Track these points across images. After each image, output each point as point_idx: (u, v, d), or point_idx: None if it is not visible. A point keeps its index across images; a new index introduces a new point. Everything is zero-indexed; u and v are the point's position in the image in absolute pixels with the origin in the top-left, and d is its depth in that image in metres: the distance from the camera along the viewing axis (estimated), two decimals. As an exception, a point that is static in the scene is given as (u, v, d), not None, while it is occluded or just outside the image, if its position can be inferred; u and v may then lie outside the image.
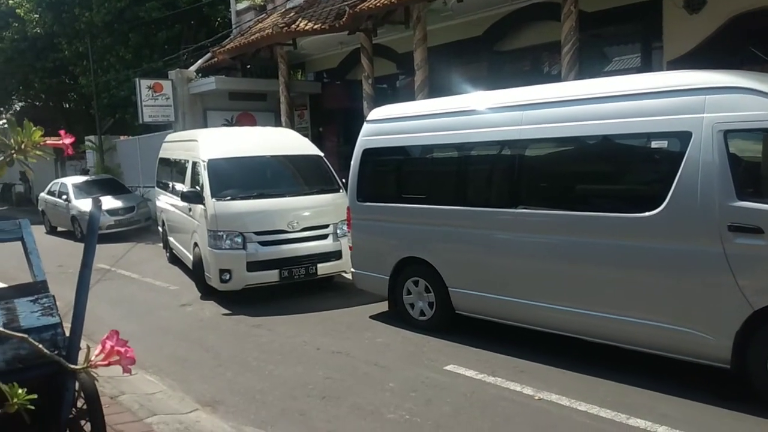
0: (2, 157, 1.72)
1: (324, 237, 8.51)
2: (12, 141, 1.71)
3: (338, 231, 8.52)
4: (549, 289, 5.52)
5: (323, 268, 8.45)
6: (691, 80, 4.76)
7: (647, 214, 4.82)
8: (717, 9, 8.94)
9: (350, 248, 7.67)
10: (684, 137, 4.65)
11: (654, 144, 4.91)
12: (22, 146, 1.72)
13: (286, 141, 9.88)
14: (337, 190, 8.98)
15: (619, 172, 5.45)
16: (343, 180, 8.71)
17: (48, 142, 1.74)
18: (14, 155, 1.73)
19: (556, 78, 10.01)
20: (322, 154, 9.60)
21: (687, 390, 4.77)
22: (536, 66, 12.43)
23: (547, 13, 10.73)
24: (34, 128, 1.71)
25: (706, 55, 8.81)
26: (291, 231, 8.29)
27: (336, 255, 8.52)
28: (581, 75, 9.04)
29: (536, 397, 4.88)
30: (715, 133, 4.50)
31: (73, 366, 1.88)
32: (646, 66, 10.14)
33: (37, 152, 1.75)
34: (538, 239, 5.61)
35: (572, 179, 5.72)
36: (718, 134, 4.49)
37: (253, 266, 8.10)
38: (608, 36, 10.97)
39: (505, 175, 6.06)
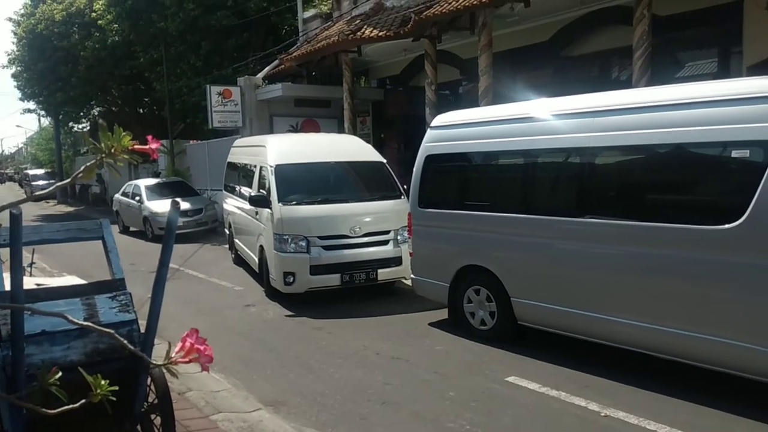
0: (93, 161, 1.80)
1: (385, 243, 8.55)
2: (102, 145, 1.80)
3: (399, 237, 8.55)
4: (617, 302, 5.34)
5: (383, 274, 8.49)
6: (776, 86, 4.52)
7: (725, 226, 4.60)
8: (804, 11, 8.47)
9: (410, 254, 7.66)
10: None
11: (734, 153, 4.68)
12: (112, 150, 1.81)
13: (350, 147, 10.00)
14: (398, 197, 9.01)
15: (694, 183, 5.22)
16: (405, 186, 8.73)
17: (136, 147, 1.81)
18: (104, 158, 1.82)
19: (626, 84, 9.72)
20: (384, 161, 9.65)
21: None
22: (604, 72, 12.10)
23: (617, 17, 10.44)
24: (123, 133, 1.79)
25: (791, 60, 8.36)
26: (353, 236, 8.38)
27: (396, 261, 8.55)
28: (653, 81, 8.73)
29: (602, 414, 4.72)
30: (802, 142, 4.26)
31: (153, 362, 1.95)
32: (723, 72, 9.71)
33: (125, 156, 1.83)
34: (607, 250, 5.43)
35: (644, 189, 5.52)
36: (806, 144, 4.24)
37: (316, 270, 8.23)
38: (682, 41, 10.55)
39: (572, 184, 5.91)
